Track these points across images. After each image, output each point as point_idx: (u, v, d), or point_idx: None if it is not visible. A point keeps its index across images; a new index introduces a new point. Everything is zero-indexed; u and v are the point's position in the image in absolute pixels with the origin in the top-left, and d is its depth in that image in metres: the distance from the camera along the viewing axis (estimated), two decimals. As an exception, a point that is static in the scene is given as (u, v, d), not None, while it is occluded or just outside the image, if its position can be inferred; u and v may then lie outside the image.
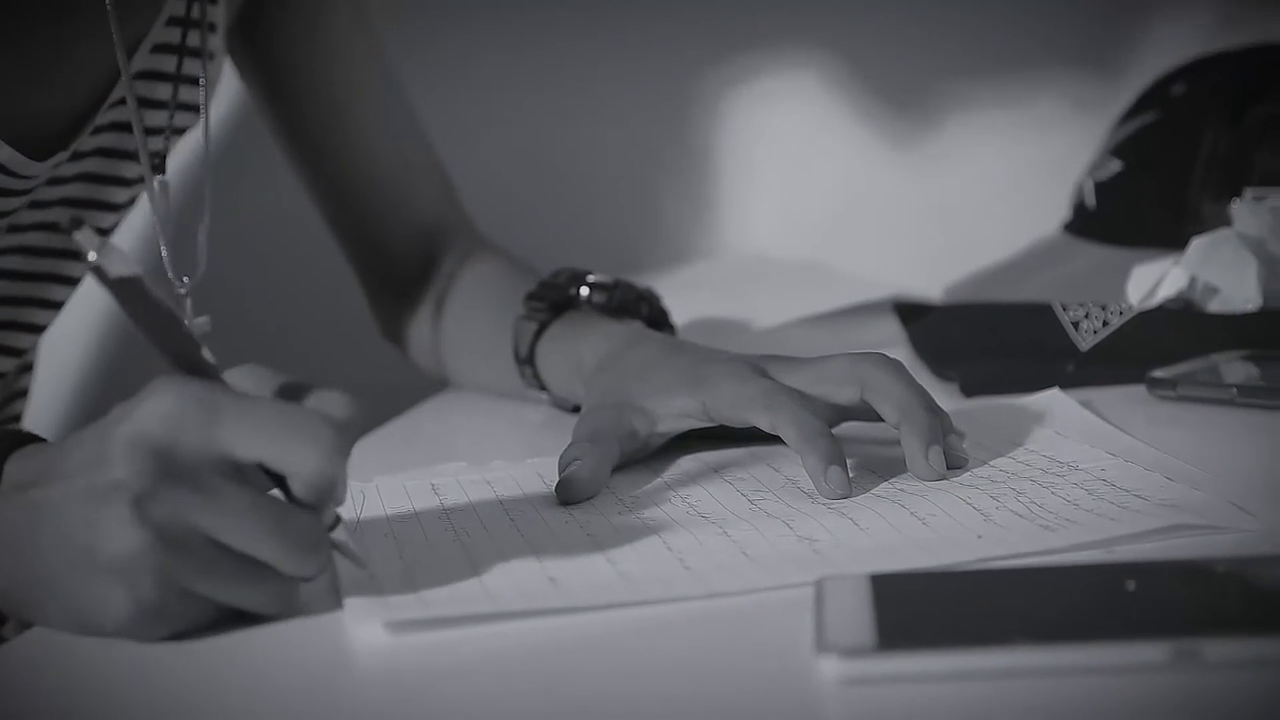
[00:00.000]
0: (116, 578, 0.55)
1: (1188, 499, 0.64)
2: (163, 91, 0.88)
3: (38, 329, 0.92)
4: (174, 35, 0.87)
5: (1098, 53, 1.46)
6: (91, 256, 0.56)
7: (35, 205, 0.85)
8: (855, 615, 0.52)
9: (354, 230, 1.03)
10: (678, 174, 1.52)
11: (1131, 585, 0.53)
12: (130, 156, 0.88)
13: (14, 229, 0.84)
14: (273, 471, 0.57)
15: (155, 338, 0.58)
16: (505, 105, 1.51)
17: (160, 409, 0.55)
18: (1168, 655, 0.48)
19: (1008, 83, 1.47)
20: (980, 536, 0.62)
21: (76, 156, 0.85)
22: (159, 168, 0.85)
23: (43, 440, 0.62)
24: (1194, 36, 1.36)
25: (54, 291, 0.91)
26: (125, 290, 0.57)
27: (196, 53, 0.88)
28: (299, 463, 0.56)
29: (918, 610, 0.54)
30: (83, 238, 0.56)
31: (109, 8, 0.80)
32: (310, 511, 0.57)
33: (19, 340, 0.92)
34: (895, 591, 0.55)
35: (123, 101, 0.85)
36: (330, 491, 0.57)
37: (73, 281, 0.92)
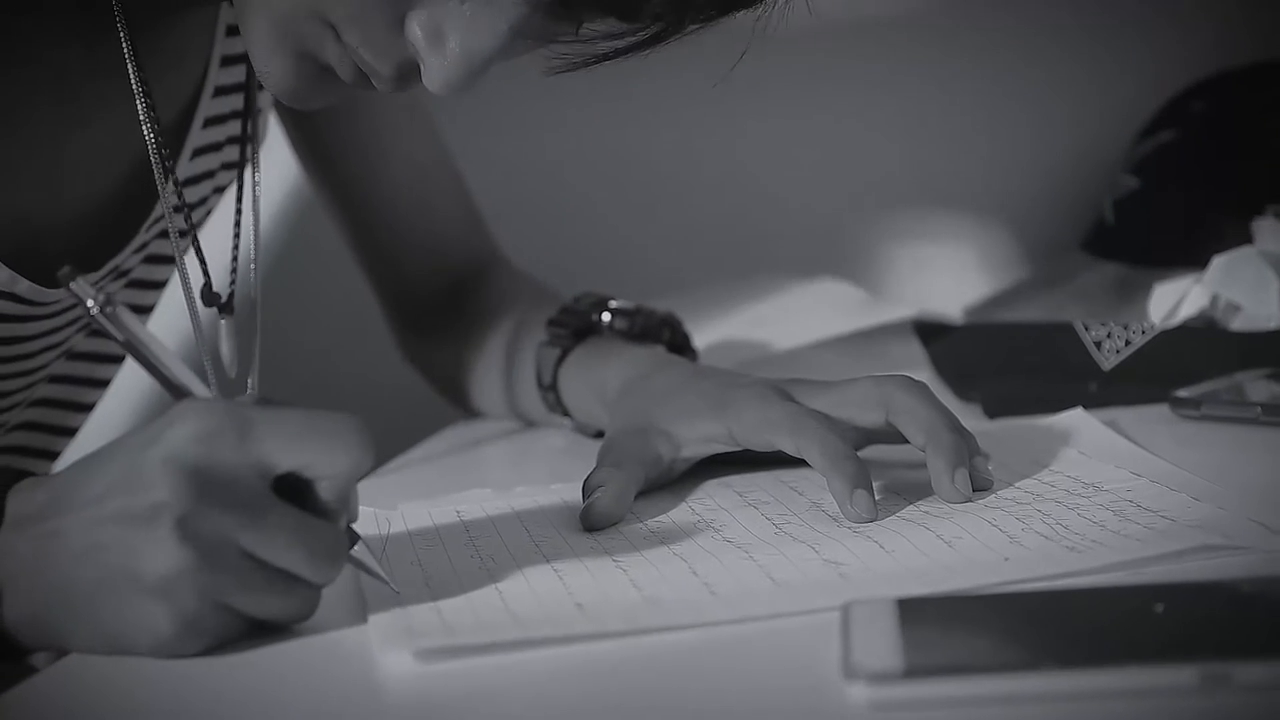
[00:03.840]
0: (160, 597, 0.56)
1: (1214, 519, 0.64)
2: (204, 190, 0.87)
3: (70, 432, 0.93)
4: (215, 134, 0.86)
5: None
6: (90, 304, 0.59)
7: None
8: (882, 640, 0.52)
9: (378, 261, 1.04)
10: (693, 195, 1.52)
11: (1160, 607, 0.53)
12: (170, 260, 0.87)
13: (56, 329, 0.83)
14: (289, 482, 0.58)
15: (156, 374, 0.60)
16: (525, 122, 1.51)
17: (192, 430, 0.56)
18: (1197, 679, 0.48)
19: (1029, 109, 1.47)
20: (1007, 559, 0.62)
21: (120, 274, 0.85)
22: (227, 307, 0.84)
23: (35, 475, 0.62)
24: (1212, 53, 1.35)
25: (88, 395, 0.91)
26: (127, 334, 0.59)
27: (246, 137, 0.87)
28: (331, 466, 0.58)
29: (945, 634, 0.54)
30: (78, 288, 0.59)
31: (152, 151, 0.78)
32: (328, 522, 0.59)
33: (54, 444, 0.92)
34: (922, 615, 0.55)
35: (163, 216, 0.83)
36: (351, 494, 0.59)
37: (104, 384, 0.92)
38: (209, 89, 0.85)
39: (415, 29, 0.65)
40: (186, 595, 0.56)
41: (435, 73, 0.65)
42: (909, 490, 0.72)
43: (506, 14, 0.64)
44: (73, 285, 0.59)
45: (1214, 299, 0.94)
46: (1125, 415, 0.84)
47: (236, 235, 0.86)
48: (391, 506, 0.76)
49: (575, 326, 0.91)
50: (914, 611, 0.55)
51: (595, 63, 0.65)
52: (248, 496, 0.56)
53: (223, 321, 0.84)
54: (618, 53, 0.65)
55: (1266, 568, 0.59)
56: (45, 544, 0.57)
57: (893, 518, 0.69)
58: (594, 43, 0.65)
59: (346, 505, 0.59)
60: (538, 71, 0.66)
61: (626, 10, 0.64)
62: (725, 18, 0.65)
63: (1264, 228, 0.97)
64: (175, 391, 0.60)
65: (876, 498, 0.69)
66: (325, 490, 0.58)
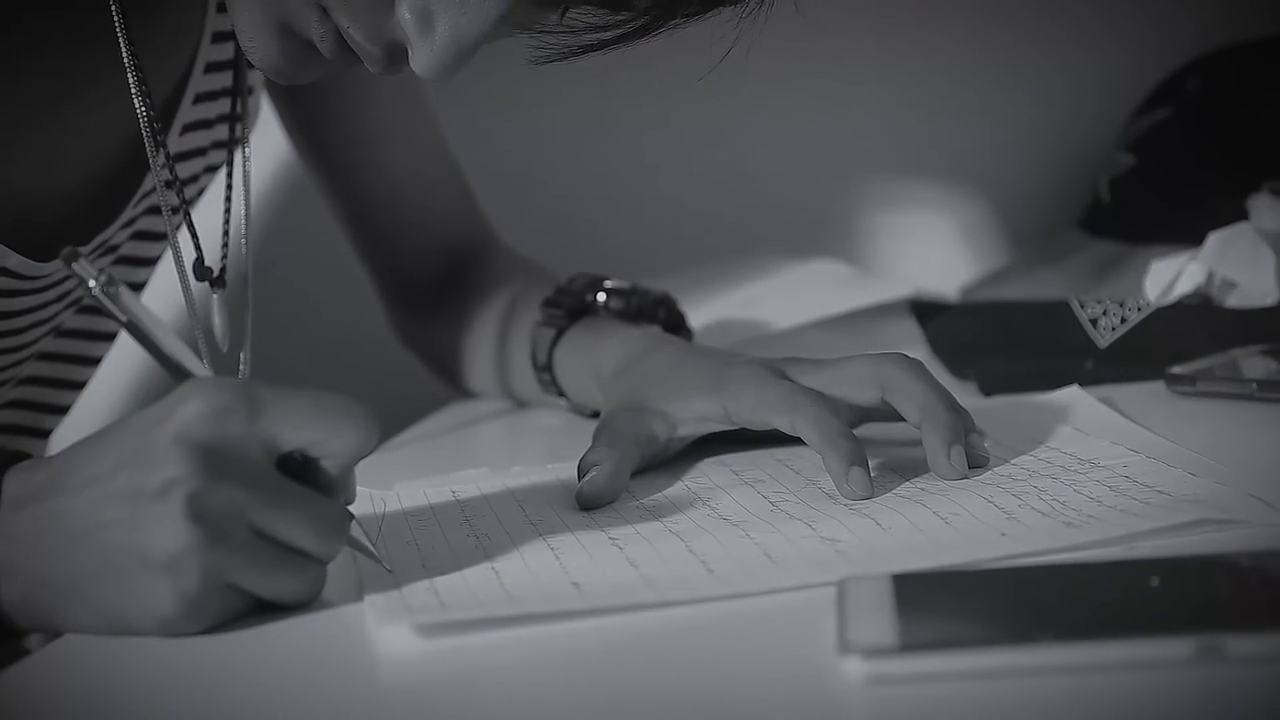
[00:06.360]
0: (164, 574, 0.56)
1: (1210, 494, 0.64)
2: (195, 167, 0.87)
3: (61, 410, 0.93)
4: (206, 111, 0.86)
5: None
6: (92, 283, 0.59)
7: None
8: (878, 615, 0.52)
9: (373, 243, 1.03)
10: (689, 174, 1.52)
11: (1155, 581, 0.53)
12: (162, 238, 0.87)
13: (45, 304, 0.83)
14: (287, 462, 0.59)
15: (157, 354, 0.61)
16: (519, 104, 1.51)
17: (202, 407, 0.57)
18: (1192, 651, 0.48)
19: (1024, 86, 1.47)
20: (1003, 534, 0.62)
21: (108, 250, 0.84)
22: (219, 281, 0.83)
23: (30, 456, 0.62)
24: (1208, 30, 1.35)
25: (79, 373, 0.91)
26: (128, 314, 0.60)
27: (235, 116, 0.87)
28: (338, 443, 0.58)
29: (940, 609, 0.54)
30: (80, 268, 0.59)
31: (144, 128, 0.77)
32: (331, 498, 0.59)
33: (45, 422, 0.92)
34: (918, 591, 0.55)
35: (154, 189, 0.83)
36: (350, 474, 0.60)
37: (95, 361, 0.92)
38: (200, 64, 0.84)
39: (404, 12, 0.65)
40: (192, 573, 0.56)
41: (422, 56, 0.66)
42: (905, 468, 0.72)
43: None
44: (75, 265, 0.59)
45: (1210, 276, 0.94)
46: (1121, 392, 0.84)
47: (227, 210, 0.86)
48: (387, 486, 0.76)
49: (570, 306, 0.91)
50: (909, 587, 0.55)
51: (580, 54, 0.66)
52: (257, 473, 0.57)
53: (215, 296, 0.84)
54: (603, 44, 0.65)
55: (1262, 542, 0.59)
56: (45, 524, 0.58)
57: (889, 495, 0.69)
58: (580, 33, 0.65)
59: (345, 483, 0.60)
60: (523, 62, 0.66)
61: (616, 0, 0.64)
62: (711, 13, 0.66)
63: (1259, 204, 0.97)
64: (176, 372, 0.60)
65: (872, 475, 0.69)
66: (330, 468, 0.59)
